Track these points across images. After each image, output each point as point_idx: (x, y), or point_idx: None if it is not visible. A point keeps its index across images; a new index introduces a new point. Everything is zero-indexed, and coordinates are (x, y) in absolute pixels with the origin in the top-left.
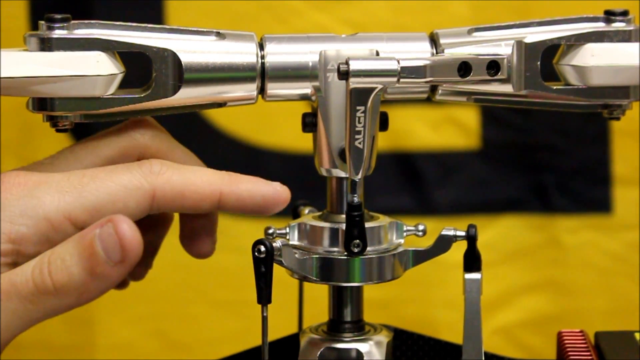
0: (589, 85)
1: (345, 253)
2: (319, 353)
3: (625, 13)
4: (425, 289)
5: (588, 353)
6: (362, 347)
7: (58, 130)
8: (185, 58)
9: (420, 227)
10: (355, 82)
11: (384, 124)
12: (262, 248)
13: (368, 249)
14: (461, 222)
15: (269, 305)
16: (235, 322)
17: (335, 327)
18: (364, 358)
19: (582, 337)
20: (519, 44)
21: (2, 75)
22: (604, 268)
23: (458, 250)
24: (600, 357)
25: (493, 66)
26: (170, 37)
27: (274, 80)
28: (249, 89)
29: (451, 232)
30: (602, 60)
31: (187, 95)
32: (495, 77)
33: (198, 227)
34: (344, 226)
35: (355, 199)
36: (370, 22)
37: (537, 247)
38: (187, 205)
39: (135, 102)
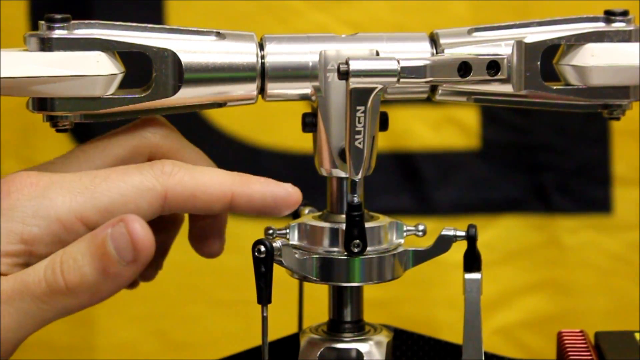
0: (589, 85)
1: (345, 253)
2: (319, 353)
3: (625, 13)
4: (425, 289)
5: (588, 353)
6: (362, 347)
7: (58, 130)
8: (185, 58)
9: (420, 227)
10: (355, 82)
11: (384, 124)
12: (262, 248)
13: (368, 249)
14: (461, 222)
15: (269, 305)
16: (235, 322)
17: (335, 327)
18: (364, 358)
19: (582, 337)
20: (519, 44)
21: (2, 75)
22: (604, 268)
23: (458, 250)
24: (600, 357)
25: (493, 66)
26: (170, 37)
27: (274, 80)
28: (249, 89)
29: (451, 232)
30: (602, 60)
31: (187, 95)
32: (495, 77)
33: (207, 227)
34: (344, 226)
35: (355, 199)
36: (370, 22)
37: (537, 247)
38: (198, 207)
39: (135, 102)
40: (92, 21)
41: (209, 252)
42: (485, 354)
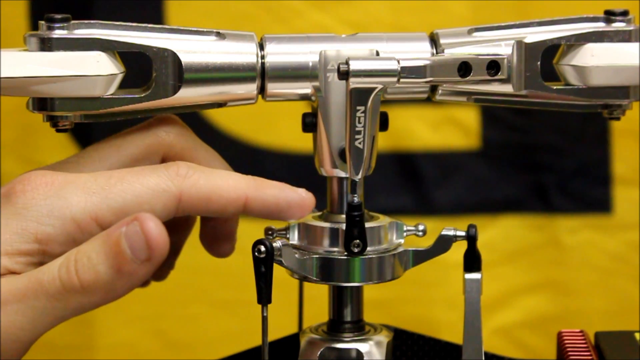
0: (589, 85)
1: (345, 253)
2: (319, 353)
3: (625, 13)
4: (425, 289)
5: (588, 353)
6: (362, 347)
7: (58, 130)
8: (185, 58)
9: (420, 227)
10: (355, 82)
11: (384, 124)
12: (262, 248)
13: (368, 249)
14: (461, 222)
15: (269, 305)
16: (235, 322)
17: (335, 327)
18: (364, 358)
19: (582, 337)
20: (519, 44)
21: (2, 75)
22: (604, 268)
23: (458, 250)
24: (600, 357)
25: (493, 66)
26: (170, 37)
27: (274, 80)
28: (249, 89)
29: (451, 232)
30: (602, 60)
31: (187, 95)
32: (495, 77)
33: (219, 227)
34: (344, 226)
35: (356, 199)
36: (370, 22)
37: (537, 247)
38: (212, 209)
39: (135, 102)
40: (92, 21)
41: (220, 252)
42: (485, 354)
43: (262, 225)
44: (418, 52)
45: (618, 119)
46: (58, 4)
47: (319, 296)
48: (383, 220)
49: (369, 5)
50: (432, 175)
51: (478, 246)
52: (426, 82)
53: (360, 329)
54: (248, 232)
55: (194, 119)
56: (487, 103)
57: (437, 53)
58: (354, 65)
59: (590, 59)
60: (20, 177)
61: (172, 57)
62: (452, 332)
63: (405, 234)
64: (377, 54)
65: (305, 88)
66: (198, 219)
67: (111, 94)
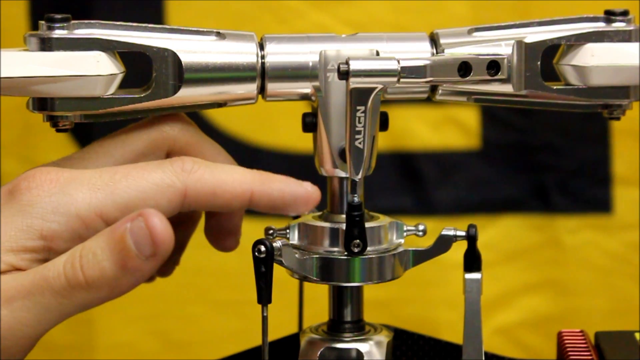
0: (589, 85)
1: (346, 253)
2: (319, 353)
3: (625, 13)
4: (425, 289)
5: (588, 353)
6: (362, 347)
7: (58, 130)
8: (185, 58)
9: (420, 227)
10: (355, 82)
11: (384, 124)
12: (262, 248)
13: (368, 249)
14: (461, 222)
15: (269, 305)
16: (235, 322)
17: (335, 327)
18: (364, 358)
19: (582, 337)
20: (519, 44)
21: (2, 75)
22: (604, 268)
23: (458, 250)
24: (600, 357)
25: (493, 66)
26: (170, 37)
27: (274, 80)
28: (249, 89)
29: (451, 232)
30: (602, 60)
31: (187, 95)
32: (495, 77)
33: (224, 222)
34: (344, 226)
35: (356, 199)
36: (370, 22)
37: (537, 247)
38: (218, 204)
39: (135, 102)
40: (92, 21)
41: (225, 246)
42: (485, 354)
43: (262, 225)
44: (418, 52)
45: (618, 119)
46: (58, 4)
47: (319, 296)
48: (383, 220)
49: (369, 5)
50: (432, 175)
51: (478, 246)
52: (426, 82)
53: (360, 329)
54: (248, 232)
55: (194, 119)
56: (487, 103)
57: (437, 53)
58: (354, 65)
59: (591, 59)
60: (25, 173)
61: (172, 57)
62: (452, 332)
63: (405, 234)
64: (377, 54)
65: (305, 88)
66: (203, 214)
67: (111, 94)
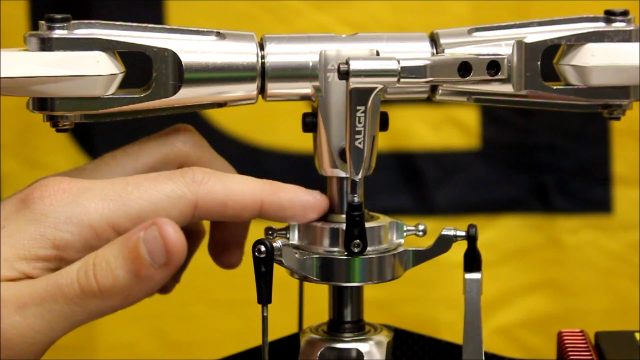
0: (589, 85)
1: (346, 253)
2: (319, 353)
3: (625, 13)
4: (425, 289)
5: (588, 353)
6: (362, 347)
7: (58, 130)
8: (185, 58)
9: (420, 227)
10: (355, 82)
11: (384, 124)
12: (262, 248)
13: (368, 249)
14: (461, 222)
15: (269, 305)
16: (235, 322)
17: (335, 327)
18: (364, 358)
19: (582, 337)
20: (519, 44)
21: (2, 75)
22: (604, 268)
23: (458, 250)
24: (600, 357)
25: (493, 66)
26: (170, 37)
27: (274, 80)
28: (249, 89)
29: (451, 232)
30: (602, 60)
31: (187, 95)
32: (496, 77)
33: (229, 237)
34: (344, 226)
35: (356, 199)
36: (370, 22)
37: (537, 247)
38: (228, 215)
39: (135, 102)
40: (92, 21)
41: (229, 262)
42: (485, 354)
43: (262, 225)
44: (418, 52)
45: (618, 119)
46: (58, 4)
47: (319, 296)
48: (383, 220)
49: (369, 5)
50: (432, 175)
51: (478, 246)
52: (426, 82)
53: (360, 329)
54: (248, 232)
55: (194, 119)
56: (487, 103)
57: (437, 53)
58: (354, 65)
59: (591, 59)
60: (38, 182)
61: (172, 57)
62: (452, 332)
63: (405, 234)
64: (377, 54)
65: (305, 88)
66: (208, 230)
67: (111, 94)
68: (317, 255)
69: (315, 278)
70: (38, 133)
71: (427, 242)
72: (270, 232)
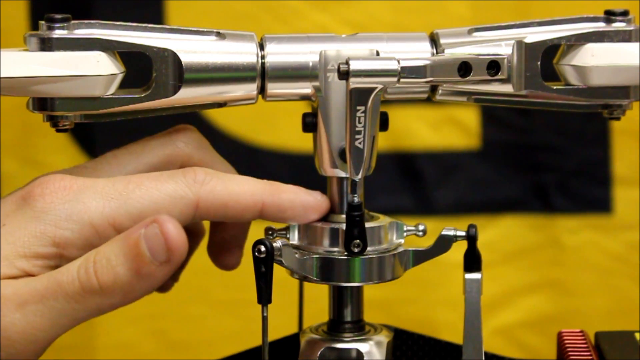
0: (589, 85)
1: (346, 253)
2: (319, 353)
3: (625, 13)
4: (425, 289)
5: (588, 353)
6: (362, 347)
7: (58, 130)
8: (185, 58)
9: (420, 227)
10: (355, 82)
11: (384, 124)
12: (262, 248)
13: (368, 249)
14: (461, 222)
15: (269, 305)
16: (235, 322)
17: (335, 327)
18: (364, 358)
19: (582, 337)
20: (519, 44)
21: (2, 75)
22: (604, 268)
23: (458, 250)
24: (600, 357)
25: (493, 66)
26: (170, 37)
27: (274, 80)
28: (249, 89)
29: (451, 232)
30: (602, 60)
31: (187, 95)
32: (496, 77)
33: (229, 238)
34: (344, 226)
35: (356, 199)
36: (370, 22)
37: (537, 247)
38: (229, 215)
39: (135, 102)
40: (92, 21)
41: (228, 264)
42: (485, 354)
43: (262, 225)
44: (418, 52)
45: (618, 119)
46: (58, 4)
47: (319, 296)
48: (383, 220)
49: (369, 5)
50: (432, 175)
51: (478, 246)
52: (426, 82)
53: (360, 329)
54: (248, 232)
55: (194, 119)
56: (487, 103)
57: (437, 53)
58: (354, 65)
59: (591, 59)
60: (39, 180)
61: (172, 57)
62: (452, 332)
63: (405, 234)
64: (377, 54)
65: (305, 88)
66: (207, 231)
67: (111, 94)
68: (317, 255)
69: (315, 278)
70: (38, 133)
71: (427, 242)
72: (270, 232)
